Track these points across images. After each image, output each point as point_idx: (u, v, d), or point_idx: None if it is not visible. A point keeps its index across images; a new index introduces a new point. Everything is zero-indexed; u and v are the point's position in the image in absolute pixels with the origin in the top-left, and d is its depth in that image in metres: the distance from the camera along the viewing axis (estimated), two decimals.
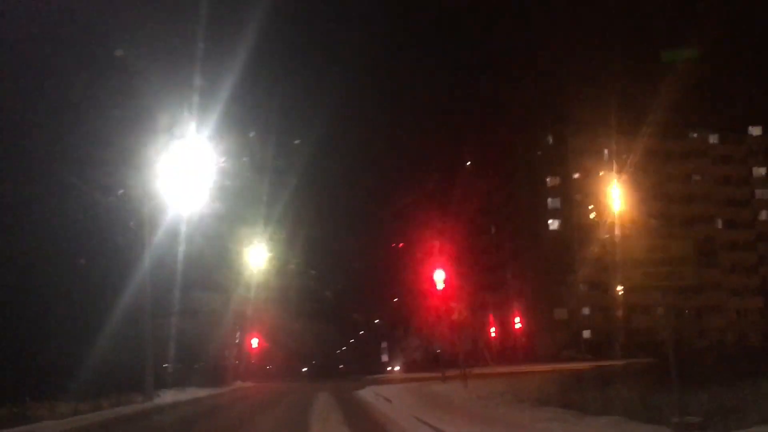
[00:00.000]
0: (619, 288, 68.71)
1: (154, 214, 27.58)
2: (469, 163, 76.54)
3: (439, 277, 27.30)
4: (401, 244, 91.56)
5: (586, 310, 69.00)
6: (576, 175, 70.88)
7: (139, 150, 27.06)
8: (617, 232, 60.94)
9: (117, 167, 27.30)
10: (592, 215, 57.65)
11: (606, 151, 71.24)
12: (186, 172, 28.60)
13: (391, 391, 24.45)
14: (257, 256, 46.86)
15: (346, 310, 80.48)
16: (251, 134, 33.49)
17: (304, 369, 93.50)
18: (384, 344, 79.61)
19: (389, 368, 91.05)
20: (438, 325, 46.00)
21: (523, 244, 71.53)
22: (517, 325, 52.07)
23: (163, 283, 30.18)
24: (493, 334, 54.04)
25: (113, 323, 27.39)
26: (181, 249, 28.67)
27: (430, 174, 75.93)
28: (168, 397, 28.21)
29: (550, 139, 71.85)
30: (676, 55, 55.40)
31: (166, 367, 32.72)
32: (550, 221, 70.81)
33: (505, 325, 66.71)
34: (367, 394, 25.24)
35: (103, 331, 27.11)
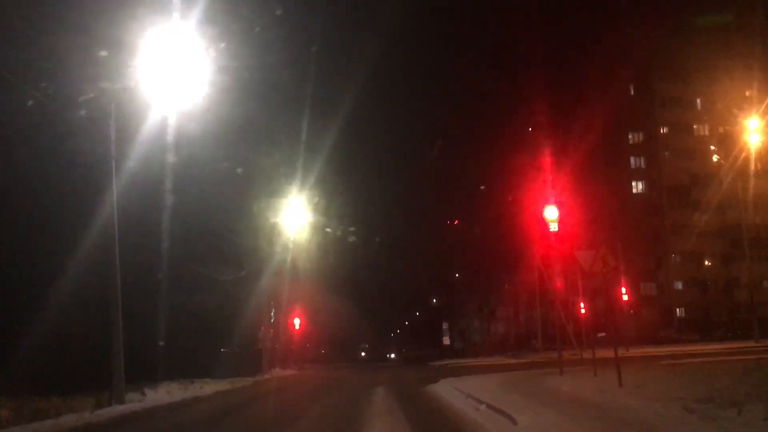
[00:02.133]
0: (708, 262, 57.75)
1: (130, 126, 18.12)
2: (532, 126, 65.71)
3: (552, 215, 17.34)
4: (456, 221, 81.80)
5: (678, 285, 57.69)
6: (664, 130, 59.39)
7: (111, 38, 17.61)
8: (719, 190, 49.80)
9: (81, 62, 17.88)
10: (715, 158, 46.64)
11: (699, 101, 59.84)
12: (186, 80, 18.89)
13: (486, 390, 14.60)
14: (295, 219, 37.18)
15: (404, 286, 70.81)
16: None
17: (363, 354, 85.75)
18: (445, 325, 69.86)
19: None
20: (548, 286, 36.11)
21: (602, 210, 60.44)
22: (624, 297, 41.26)
23: (150, 236, 20.88)
24: (582, 311, 43.70)
25: (69, 288, 18.22)
26: (168, 182, 19.09)
27: (494, 130, 64.80)
28: (156, 395, 18.93)
29: (632, 90, 60.31)
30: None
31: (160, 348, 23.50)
32: (633, 183, 59.60)
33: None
34: (450, 394, 15.45)
35: (54, 300, 17.99)
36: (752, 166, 38.86)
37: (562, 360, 19.68)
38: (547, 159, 36.46)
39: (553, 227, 17.25)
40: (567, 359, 34.45)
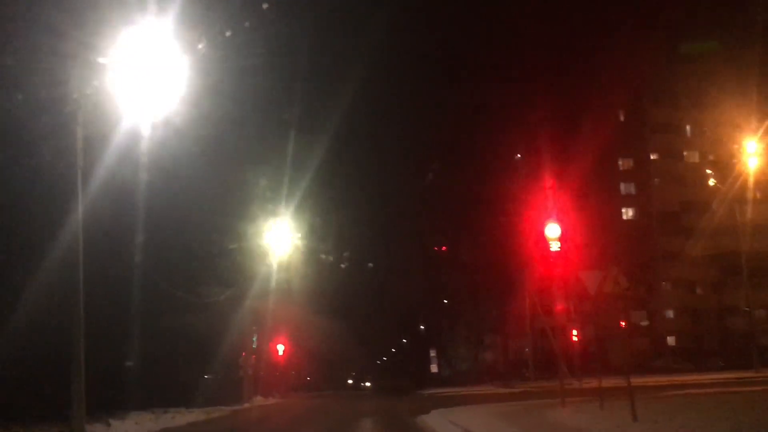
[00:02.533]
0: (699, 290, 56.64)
1: (102, 134, 16.72)
2: (521, 152, 64.67)
3: (553, 233, 16.07)
4: (444, 248, 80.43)
5: (669, 313, 56.49)
6: (654, 156, 58.72)
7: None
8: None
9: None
10: (711, 182, 45.55)
11: (689, 128, 59.32)
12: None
13: (485, 424, 13.23)
14: (281, 240, 35.70)
15: (391, 313, 69.09)
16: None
17: (350, 381, 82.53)
18: (432, 352, 68.14)
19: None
20: (540, 312, 35.04)
21: (592, 236, 59.25)
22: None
23: (122, 253, 19.43)
24: (575, 338, 42.32)
25: (33, 306, 16.70)
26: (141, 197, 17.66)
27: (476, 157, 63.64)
28: (123, 426, 17.31)
29: (622, 116, 59.57)
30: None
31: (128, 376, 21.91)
32: (623, 209, 58.60)
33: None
34: (444, 427, 13.98)
35: (16, 320, 16.44)
36: (750, 191, 37.88)
37: (562, 390, 18.22)
38: (545, 177, 35.34)
39: (555, 246, 16.01)
40: (557, 389, 33.03)
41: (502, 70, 60.58)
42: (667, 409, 13.63)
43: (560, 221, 16.61)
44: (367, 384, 78.27)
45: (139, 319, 23.22)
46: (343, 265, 43.30)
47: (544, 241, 16.23)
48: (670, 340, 56.22)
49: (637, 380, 32.14)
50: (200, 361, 30.19)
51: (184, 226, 24.35)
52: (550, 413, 14.85)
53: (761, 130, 34.69)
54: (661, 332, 55.87)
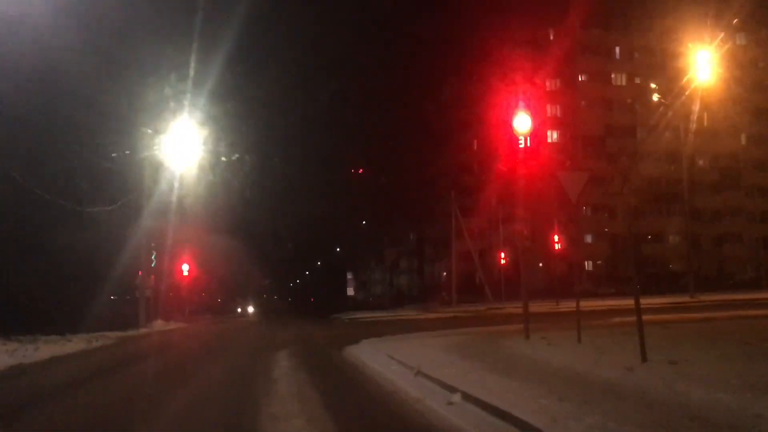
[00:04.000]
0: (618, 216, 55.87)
1: None
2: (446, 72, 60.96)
3: (523, 125, 12.74)
4: (360, 170, 77.10)
5: (588, 238, 55.47)
6: (582, 78, 56.54)
7: None
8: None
9: None
10: (655, 97, 43.15)
11: (618, 49, 57.26)
12: None
13: (439, 363, 10.00)
14: (180, 150, 30.94)
15: (306, 235, 65.54)
16: None
17: (250, 309, 74.30)
18: (350, 275, 65.45)
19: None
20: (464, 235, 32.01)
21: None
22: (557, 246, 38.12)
23: None
24: (503, 261, 40.10)
25: None
26: None
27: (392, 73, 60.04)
28: None
29: (552, 35, 56.75)
30: None
31: None
32: (548, 132, 56.36)
33: (491, 256, 53.06)
34: (384, 366, 10.59)
35: None
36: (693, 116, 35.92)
37: (526, 317, 15.12)
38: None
39: (523, 142, 12.73)
40: (490, 314, 30.69)
41: None
42: (667, 344, 10.73)
43: (532, 113, 13.21)
44: (250, 310, 70.88)
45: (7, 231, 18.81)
46: (247, 177, 38.65)
47: (510, 137, 12.90)
48: (588, 265, 55.53)
49: (566, 305, 30.08)
50: (88, 282, 25.91)
51: (59, 119, 19.68)
52: (517, 347, 11.74)
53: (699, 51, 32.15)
54: (578, 257, 54.88)
